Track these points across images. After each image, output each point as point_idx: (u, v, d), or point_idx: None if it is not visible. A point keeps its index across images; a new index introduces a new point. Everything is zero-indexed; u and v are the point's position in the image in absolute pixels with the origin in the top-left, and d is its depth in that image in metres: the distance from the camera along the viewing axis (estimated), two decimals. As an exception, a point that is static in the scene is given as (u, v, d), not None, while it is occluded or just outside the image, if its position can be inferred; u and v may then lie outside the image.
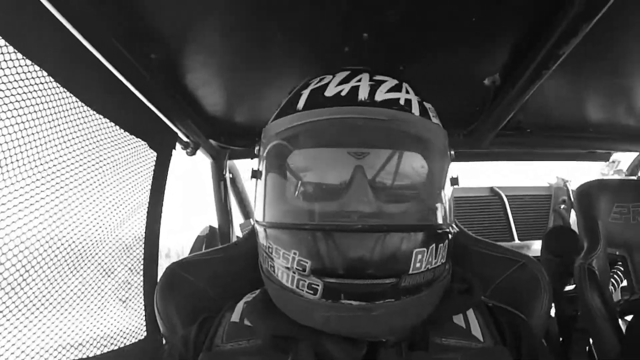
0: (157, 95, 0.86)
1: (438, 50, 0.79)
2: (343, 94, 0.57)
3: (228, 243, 1.38)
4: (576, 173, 1.70)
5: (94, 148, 0.77)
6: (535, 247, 1.40)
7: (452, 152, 0.65)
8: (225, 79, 0.90)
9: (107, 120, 0.80)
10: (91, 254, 0.76)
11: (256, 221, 0.62)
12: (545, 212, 1.73)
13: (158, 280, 0.93)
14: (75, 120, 0.73)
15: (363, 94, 0.57)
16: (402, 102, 0.57)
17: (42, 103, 0.65)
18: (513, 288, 0.73)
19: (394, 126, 0.57)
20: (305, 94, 0.61)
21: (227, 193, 1.36)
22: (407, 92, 0.59)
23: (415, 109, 0.58)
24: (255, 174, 0.65)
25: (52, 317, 0.69)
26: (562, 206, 1.67)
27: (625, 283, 1.15)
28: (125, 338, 0.84)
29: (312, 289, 0.51)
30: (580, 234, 1.06)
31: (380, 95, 0.57)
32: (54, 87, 0.67)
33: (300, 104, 0.60)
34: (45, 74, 0.64)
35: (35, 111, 0.63)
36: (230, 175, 1.40)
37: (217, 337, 0.60)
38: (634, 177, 1.52)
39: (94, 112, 0.77)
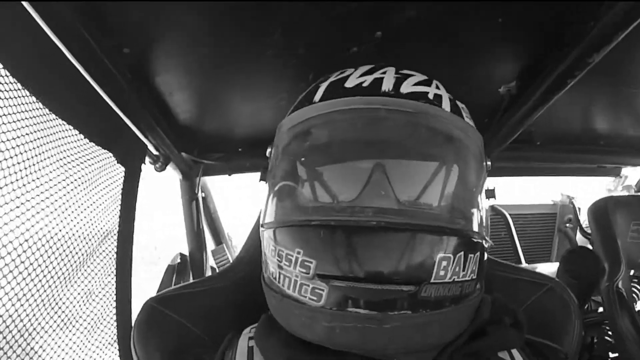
0: (126, 98, 0.80)
1: (455, 53, 0.80)
2: (365, 84, 0.57)
3: (201, 272, 1.31)
4: (579, 190, 1.78)
5: (56, 162, 0.70)
6: (546, 270, 1.44)
7: (489, 163, 0.64)
8: (201, 85, 0.87)
9: (71, 127, 0.74)
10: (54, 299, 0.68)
11: (261, 225, 0.60)
12: (549, 232, 1.80)
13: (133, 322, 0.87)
14: (34, 125, 0.66)
15: (387, 85, 0.56)
16: (430, 96, 0.57)
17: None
18: (541, 314, 0.73)
19: (422, 120, 0.57)
20: (323, 86, 0.60)
21: (199, 214, 1.30)
22: (438, 87, 0.59)
23: (446, 105, 0.58)
24: (265, 176, 0.63)
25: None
26: (568, 225, 1.74)
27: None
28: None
29: (316, 294, 0.49)
30: (600, 255, 1.09)
31: (407, 87, 0.57)
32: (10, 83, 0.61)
33: (318, 96, 0.59)
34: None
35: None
36: (203, 195, 1.34)
37: None
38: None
39: (56, 117, 0.71)
